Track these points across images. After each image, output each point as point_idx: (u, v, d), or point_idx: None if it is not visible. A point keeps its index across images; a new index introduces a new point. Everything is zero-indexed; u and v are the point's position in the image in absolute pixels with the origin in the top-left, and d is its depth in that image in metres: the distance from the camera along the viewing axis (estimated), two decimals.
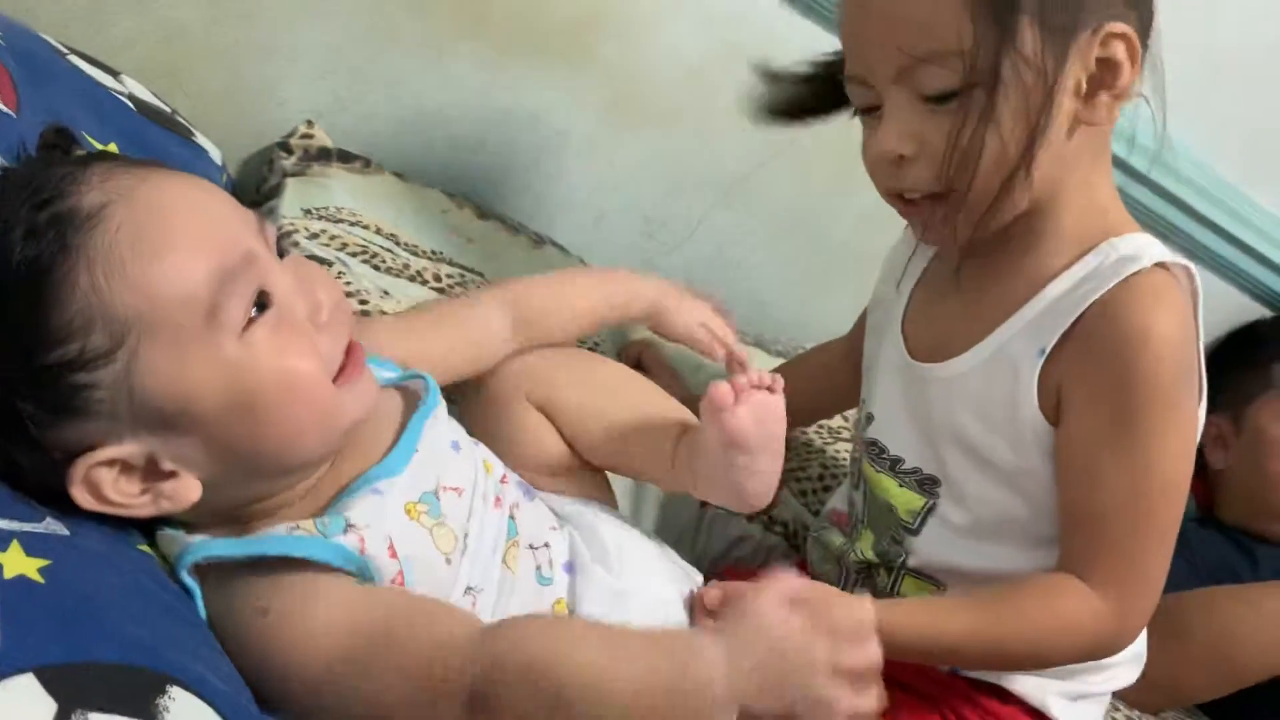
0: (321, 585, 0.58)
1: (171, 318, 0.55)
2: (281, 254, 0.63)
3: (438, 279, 1.07)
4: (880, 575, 0.92)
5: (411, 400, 0.72)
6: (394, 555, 0.61)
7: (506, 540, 0.70)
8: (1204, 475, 1.54)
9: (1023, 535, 0.84)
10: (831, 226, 1.52)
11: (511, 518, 0.71)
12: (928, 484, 0.87)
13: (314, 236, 1.01)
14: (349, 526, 0.60)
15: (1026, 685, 0.86)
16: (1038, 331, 0.79)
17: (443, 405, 0.73)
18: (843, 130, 1.42)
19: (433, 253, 1.11)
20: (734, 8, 1.30)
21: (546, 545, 0.72)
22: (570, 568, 0.72)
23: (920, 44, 0.72)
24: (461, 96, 1.27)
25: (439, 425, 0.71)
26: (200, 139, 1.06)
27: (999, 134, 0.73)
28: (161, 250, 0.55)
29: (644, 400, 0.82)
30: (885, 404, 0.91)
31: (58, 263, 0.53)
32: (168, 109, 1.04)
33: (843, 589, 0.94)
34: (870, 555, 0.92)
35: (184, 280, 0.56)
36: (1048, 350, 0.78)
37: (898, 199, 0.82)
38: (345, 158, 1.16)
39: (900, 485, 0.88)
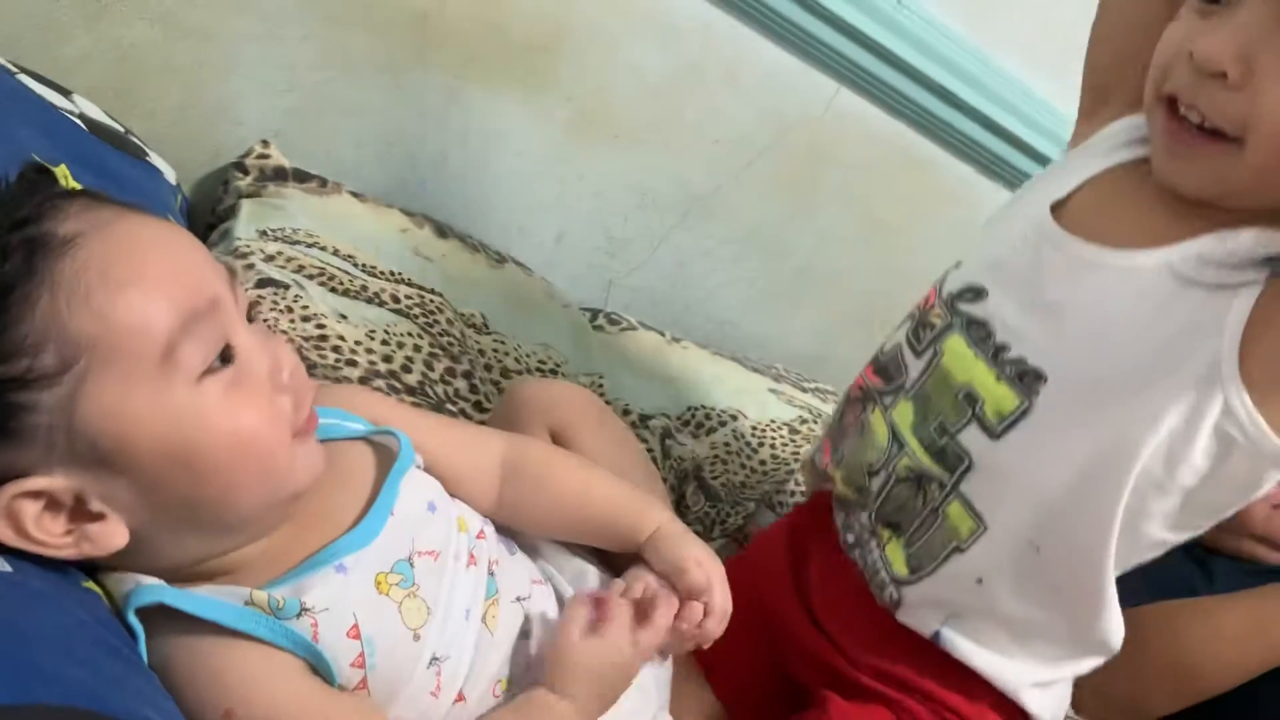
0: (267, 668, 0.58)
1: (125, 348, 0.54)
2: (250, 318, 0.61)
3: (396, 300, 1.06)
4: (932, 489, 0.80)
5: (384, 456, 0.70)
6: (356, 636, 0.60)
7: (486, 599, 0.68)
8: None
9: (1093, 500, 0.72)
10: (792, 247, 1.52)
11: (491, 574, 0.70)
12: (1029, 379, 0.74)
13: (270, 259, 1.00)
14: (303, 610, 0.59)
15: (1006, 673, 0.82)
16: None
17: (418, 460, 0.71)
18: (802, 151, 1.43)
19: (391, 273, 1.10)
20: (695, 28, 1.30)
21: (529, 598, 0.72)
22: (575, 611, 0.71)
23: None
24: (420, 116, 1.26)
25: (414, 484, 0.69)
26: (154, 159, 1.05)
27: None
28: (128, 284, 0.54)
29: (626, 481, 0.82)
30: (1009, 284, 0.78)
31: (21, 282, 0.52)
32: (121, 129, 1.03)
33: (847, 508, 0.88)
34: (906, 431, 0.82)
35: (145, 314, 0.54)
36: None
37: (1170, 110, 0.69)
38: (301, 177, 1.15)
39: (998, 378, 0.76)
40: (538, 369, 1.14)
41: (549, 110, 1.31)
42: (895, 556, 0.82)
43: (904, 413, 0.82)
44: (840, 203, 1.50)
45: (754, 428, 1.29)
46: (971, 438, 0.77)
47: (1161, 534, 0.74)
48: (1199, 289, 0.69)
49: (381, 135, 1.26)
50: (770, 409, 1.34)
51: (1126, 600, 1.30)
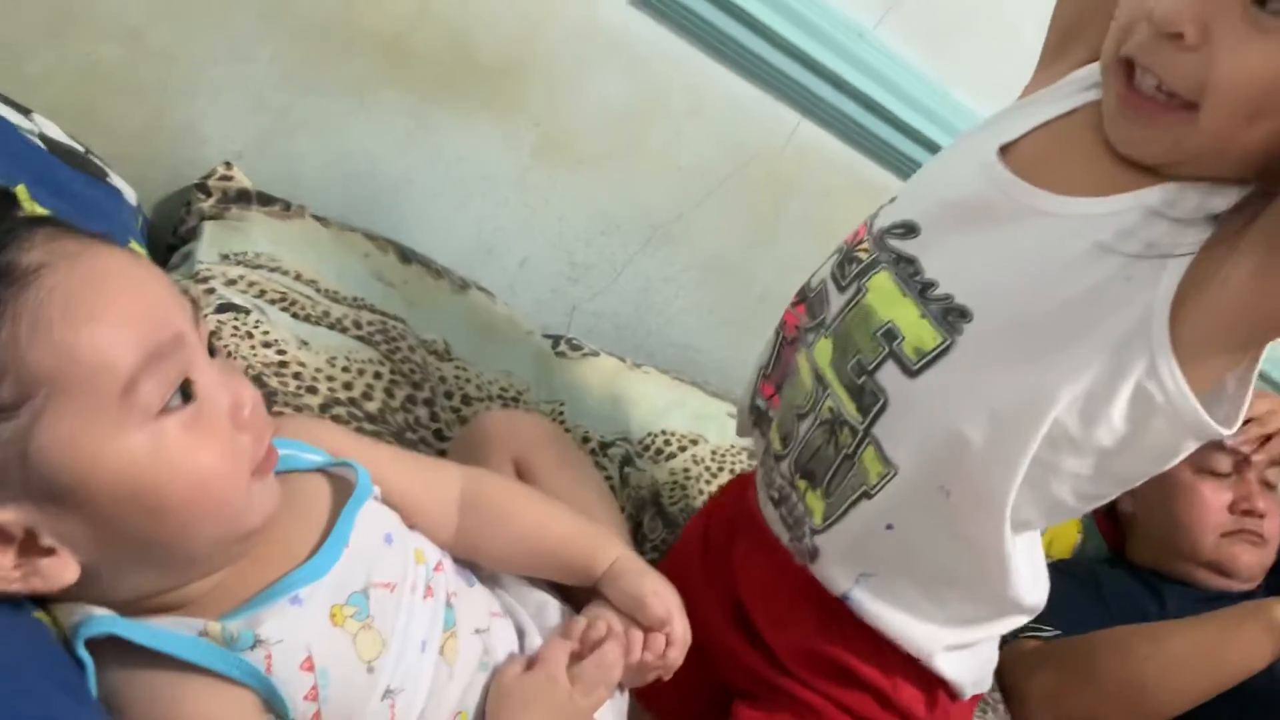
0: (218, 702, 0.58)
1: (86, 383, 0.53)
2: (212, 351, 0.61)
3: (358, 326, 1.06)
4: (844, 434, 0.78)
5: (341, 488, 0.70)
6: (309, 668, 0.60)
7: (443, 631, 0.69)
8: (1114, 517, 1.58)
9: (993, 451, 0.71)
10: (754, 273, 1.54)
11: (449, 606, 0.70)
12: (954, 317, 0.73)
13: (231, 283, 0.99)
14: (257, 642, 0.59)
15: (917, 636, 0.80)
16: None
17: (376, 492, 0.71)
18: (763, 180, 1.45)
19: (354, 299, 1.10)
20: (659, 58, 1.31)
21: (488, 630, 0.72)
22: (513, 659, 0.72)
23: None
24: (386, 140, 1.27)
25: (371, 516, 0.69)
26: (115, 180, 1.04)
27: None
28: (91, 318, 0.54)
29: (585, 516, 0.83)
30: (944, 221, 0.77)
31: None
32: (81, 149, 1.02)
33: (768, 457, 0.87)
34: (826, 369, 0.80)
35: (107, 349, 0.54)
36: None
37: (1127, 76, 0.68)
38: (265, 200, 1.15)
39: (921, 315, 0.74)
40: (499, 396, 1.15)
41: (515, 136, 1.32)
42: (815, 506, 0.81)
43: (824, 350, 0.81)
44: (801, 231, 1.51)
45: (714, 452, 1.30)
46: (888, 375, 0.75)
47: (1068, 497, 0.74)
48: (1134, 244, 0.68)
49: (347, 158, 1.26)
50: (730, 435, 1.34)
51: (1080, 626, 1.33)
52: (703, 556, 0.96)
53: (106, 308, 0.55)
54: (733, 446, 1.33)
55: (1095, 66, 0.75)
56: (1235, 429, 0.70)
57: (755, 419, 0.91)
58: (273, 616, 0.61)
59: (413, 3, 1.19)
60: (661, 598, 0.77)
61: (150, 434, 0.55)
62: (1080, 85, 0.78)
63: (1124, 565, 1.55)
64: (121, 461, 0.54)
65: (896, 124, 1.42)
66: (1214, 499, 1.42)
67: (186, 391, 0.57)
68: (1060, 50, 0.83)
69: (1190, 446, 0.71)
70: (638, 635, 0.75)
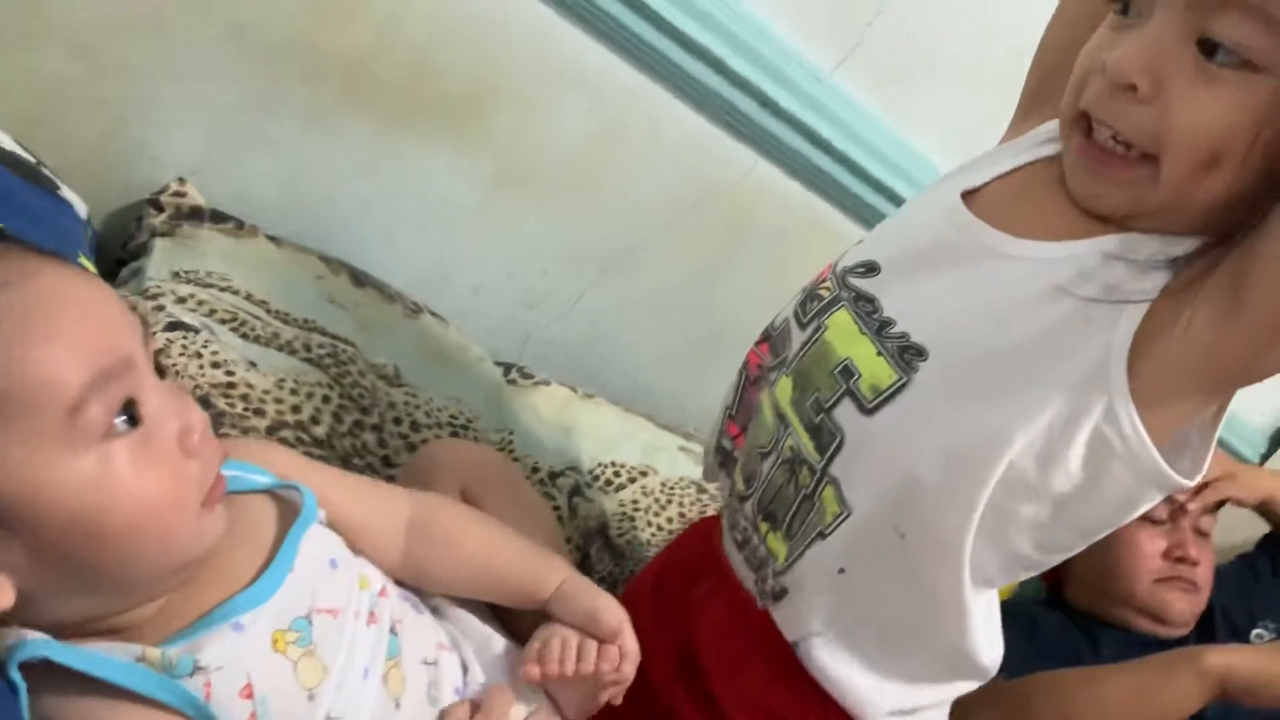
0: None
1: (31, 403, 0.53)
2: (160, 372, 0.61)
3: (308, 348, 1.05)
4: (803, 474, 0.78)
5: (287, 511, 0.69)
6: (249, 695, 0.60)
7: (386, 660, 0.68)
8: None
9: (948, 494, 0.71)
10: (709, 307, 1.55)
11: (394, 633, 0.70)
12: (910, 355, 0.73)
13: (181, 301, 0.98)
14: (197, 669, 0.59)
15: (861, 692, 0.79)
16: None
17: (322, 516, 0.71)
18: (720, 216, 1.47)
19: (305, 321, 1.09)
20: (620, 92, 1.32)
21: (436, 663, 0.71)
22: (460, 693, 0.72)
23: None
24: (346, 162, 1.26)
25: (316, 540, 0.69)
26: (66, 192, 1.03)
27: (1263, 128, 0.62)
28: (41, 339, 0.53)
29: (532, 541, 0.83)
30: (905, 261, 0.77)
31: None
32: (32, 160, 1.01)
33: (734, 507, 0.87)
34: (787, 408, 0.79)
35: (55, 370, 0.53)
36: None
37: (1083, 128, 0.69)
38: (218, 218, 1.14)
39: (878, 353, 0.74)
40: (448, 424, 1.14)
41: (475, 163, 1.32)
42: (776, 548, 0.80)
43: (784, 388, 0.80)
44: (755, 268, 1.53)
45: (663, 485, 1.30)
46: (844, 413, 0.74)
47: (1028, 548, 0.73)
48: (1092, 287, 0.68)
49: (303, 179, 1.25)
50: (680, 467, 1.35)
51: (1015, 668, 1.34)
52: (655, 599, 0.95)
53: (59, 330, 0.54)
54: (682, 479, 1.33)
55: (1056, 122, 0.76)
56: (1197, 481, 0.70)
57: (721, 460, 0.91)
58: (213, 643, 0.60)
59: (377, 29, 1.19)
60: (613, 611, 0.77)
61: (96, 458, 0.54)
62: (1041, 139, 0.79)
63: (1061, 608, 1.57)
64: (65, 486, 0.54)
65: (851, 167, 1.44)
66: (1150, 545, 1.45)
67: (133, 415, 0.57)
68: (1033, 107, 0.85)
69: (1153, 497, 0.70)
70: (593, 644, 0.76)
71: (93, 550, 0.55)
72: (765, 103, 1.35)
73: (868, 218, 1.49)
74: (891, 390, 0.72)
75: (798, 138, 1.40)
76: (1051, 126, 0.78)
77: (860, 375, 0.74)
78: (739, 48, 1.30)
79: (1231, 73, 0.61)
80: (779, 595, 0.81)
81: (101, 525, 0.55)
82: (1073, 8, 0.81)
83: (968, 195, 0.77)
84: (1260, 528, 1.61)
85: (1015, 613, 1.52)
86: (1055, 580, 1.61)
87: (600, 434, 1.31)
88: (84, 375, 0.54)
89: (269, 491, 0.70)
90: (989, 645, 0.80)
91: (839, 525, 0.75)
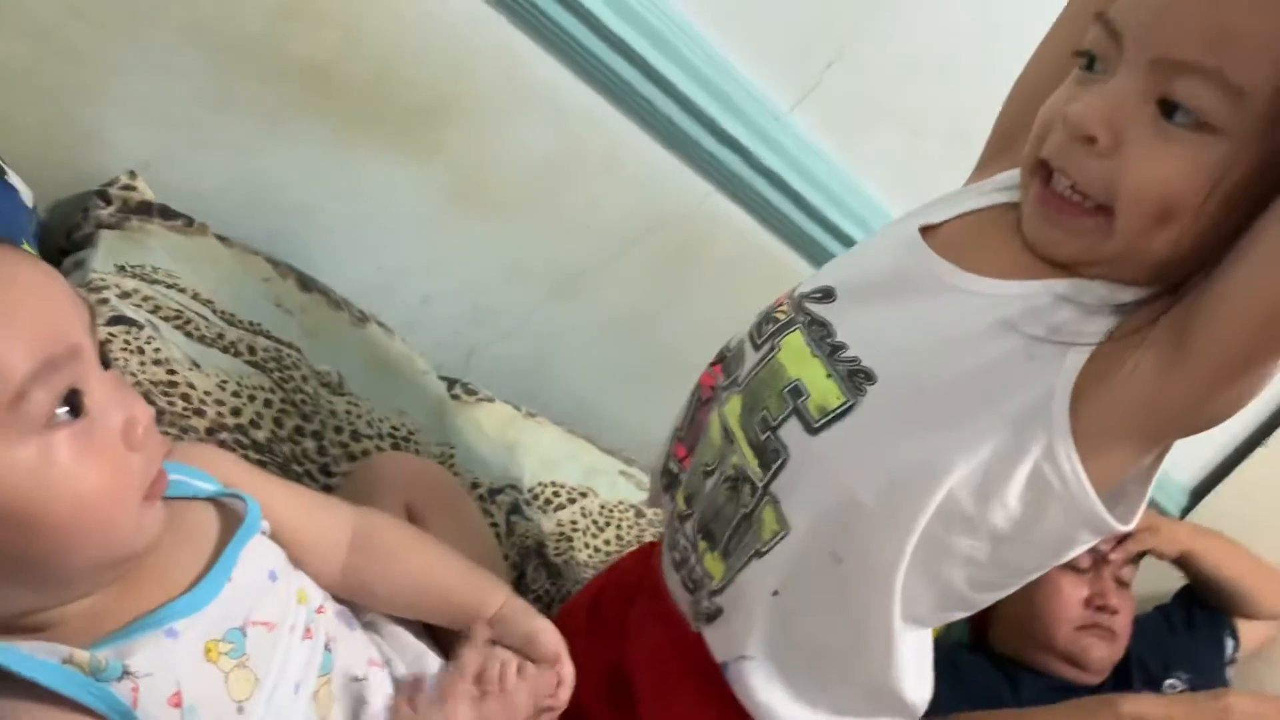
0: None
1: None
2: (106, 364, 0.59)
3: (252, 351, 1.04)
4: (745, 492, 0.78)
5: (231, 520, 0.68)
6: (177, 704, 0.58)
7: (318, 676, 0.67)
8: None
9: (890, 517, 0.72)
10: (656, 334, 1.56)
11: (328, 650, 0.69)
12: (859, 378, 0.74)
13: (125, 295, 0.97)
14: (126, 674, 0.57)
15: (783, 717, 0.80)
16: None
17: (265, 527, 0.70)
18: (672, 244, 1.48)
19: (250, 324, 1.08)
20: (580, 114, 1.33)
21: (365, 679, 0.71)
22: (387, 711, 0.71)
23: (1211, 53, 0.61)
24: (298, 166, 1.25)
25: (258, 552, 0.68)
26: (12, 178, 1.01)
27: (1216, 187, 0.63)
28: None
29: (472, 562, 0.83)
30: (861, 289, 0.79)
31: None
32: None
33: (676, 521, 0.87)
34: (734, 425, 0.80)
35: (1, 357, 0.52)
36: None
37: (1043, 174, 0.71)
38: (167, 214, 1.12)
39: (828, 375, 0.75)
40: (389, 435, 1.13)
41: (430, 175, 1.32)
42: (713, 568, 0.81)
43: (733, 406, 0.81)
44: (703, 298, 1.54)
45: (602, 507, 1.30)
46: (790, 431, 0.75)
47: (962, 585, 0.74)
48: (1039, 326, 0.69)
49: (255, 180, 1.24)
50: (620, 490, 1.36)
51: (935, 709, 1.36)
52: (590, 620, 0.96)
53: (6, 315, 0.53)
54: (621, 502, 1.34)
55: (1016, 171, 0.78)
56: (1131, 526, 0.71)
57: (666, 483, 0.92)
58: (145, 648, 0.59)
59: (342, 34, 1.19)
60: (552, 635, 0.78)
61: (37, 448, 0.53)
62: (1003, 185, 0.81)
63: (983, 651, 1.60)
64: (2, 475, 0.52)
65: (802, 205, 1.46)
66: (1072, 592, 1.48)
67: (75, 405, 0.55)
68: (998, 154, 0.87)
69: (1086, 539, 0.72)
70: (532, 667, 0.76)
71: (27, 541, 0.54)
72: (722, 136, 1.37)
73: (816, 255, 1.52)
74: (839, 411, 0.73)
75: (752, 172, 1.42)
76: (1013, 174, 0.80)
77: (809, 395, 0.75)
78: (701, 80, 1.32)
79: (1188, 133, 0.63)
80: (713, 616, 0.81)
81: (39, 516, 0.54)
82: (1051, 61, 0.83)
83: (926, 230, 0.79)
84: (1178, 580, 1.65)
85: (937, 655, 1.55)
86: (979, 624, 1.64)
87: (542, 453, 1.31)
88: (29, 363, 0.53)
89: (213, 499, 0.69)
90: (916, 683, 0.80)
91: (776, 544, 0.76)
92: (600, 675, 0.90)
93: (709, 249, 1.51)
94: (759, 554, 0.77)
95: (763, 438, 0.77)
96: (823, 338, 0.78)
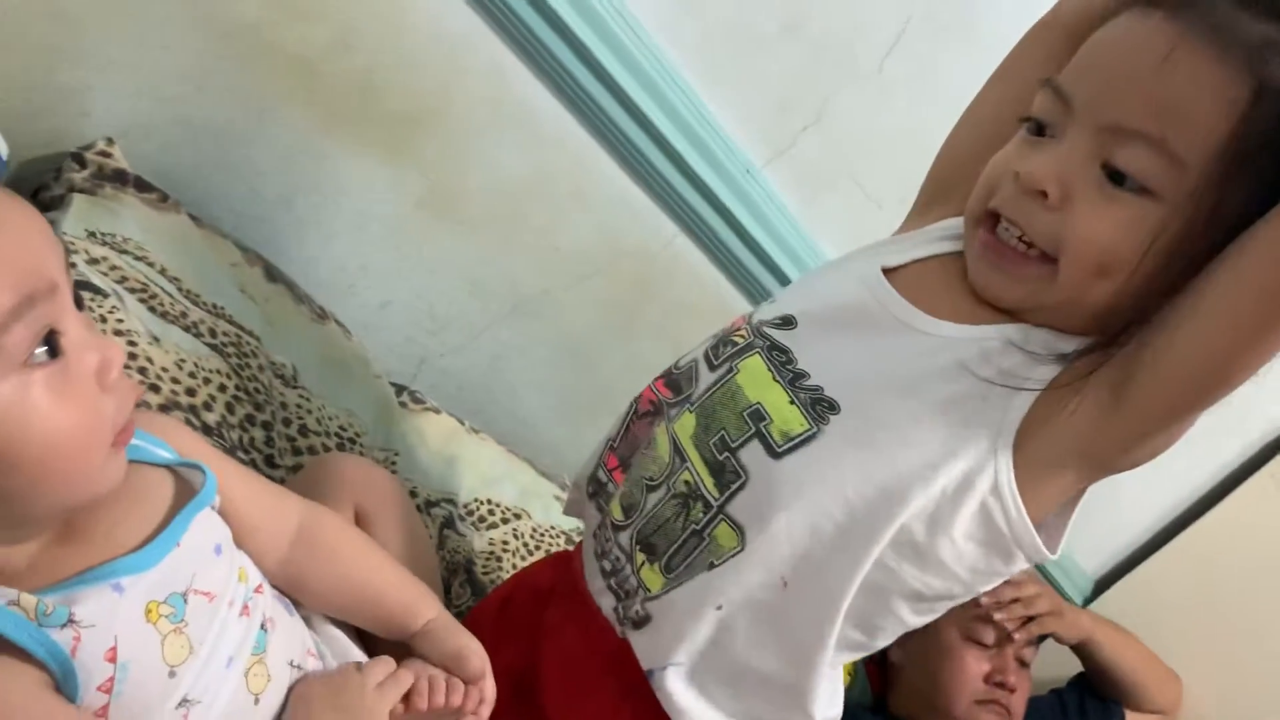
0: (10, 674, 0.55)
1: None
2: (79, 304, 0.59)
3: (213, 334, 1.03)
4: (696, 510, 0.80)
5: (184, 490, 0.69)
6: (112, 659, 0.59)
7: (251, 654, 0.68)
8: (881, 665, 1.67)
9: (860, 535, 0.75)
10: (603, 364, 1.58)
11: (264, 629, 0.69)
12: (822, 408, 0.77)
13: (94, 262, 0.96)
14: (70, 621, 0.57)
15: None
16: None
17: (216, 502, 0.70)
18: (631, 279, 1.50)
19: (214, 306, 1.07)
20: (557, 140, 1.35)
21: (301, 668, 0.71)
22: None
23: (1153, 121, 0.67)
24: (274, 156, 1.25)
25: (206, 523, 0.68)
26: None
27: (1152, 246, 0.69)
28: None
29: (409, 573, 0.84)
30: (822, 320, 0.82)
31: None
32: None
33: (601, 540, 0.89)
34: (687, 443, 0.82)
35: None
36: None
37: (988, 225, 0.76)
38: (142, 186, 1.11)
39: (791, 401, 0.78)
40: (336, 434, 1.13)
41: (403, 181, 1.33)
42: (650, 579, 0.82)
43: (686, 424, 0.82)
44: (655, 334, 1.57)
45: (534, 530, 1.31)
46: (752, 454, 0.77)
47: (906, 613, 0.79)
48: (990, 369, 0.74)
49: (232, 165, 1.24)
50: (554, 515, 1.37)
51: None
52: (499, 622, 0.96)
53: None
54: (553, 528, 1.35)
55: (958, 220, 0.84)
56: (1057, 555, 0.77)
57: (593, 490, 0.93)
58: (92, 598, 0.59)
59: (335, 33, 1.20)
60: (478, 653, 0.79)
61: (13, 386, 0.53)
62: (950, 233, 0.86)
63: (882, 713, 1.63)
64: None
65: (763, 259, 1.50)
66: (974, 666, 1.52)
67: (52, 344, 0.55)
68: (930, 204, 0.92)
69: (1015, 567, 0.76)
70: (459, 684, 0.77)
71: None
72: (696, 183, 1.41)
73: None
74: (802, 438, 0.76)
75: (719, 221, 1.45)
76: (956, 223, 0.85)
77: (772, 420, 0.77)
78: (682, 126, 1.35)
79: (1130, 195, 0.69)
80: (641, 623, 0.83)
81: (9, 454, 0.53)
82: (986, 118, 0.89)
83: (888, 271, 0.83)
84: (1075, 667, 1.71)
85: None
86: (883, 686, 1.67)
87: (481, 470, 1.32)
88: (10, 299, 0.53)
89: (169, 468, 0.70)
90: (828, 703, 0.84)
91: (728, 560, 0.78)
92: (506, 676, 0.90)
93: (666, 289, 1.54)
94: (711, 566, 0.79)
95: (721, 457, 0.79)
96: (784, 364, 0.80)
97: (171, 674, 0.62)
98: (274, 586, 0.76)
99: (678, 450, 0.82)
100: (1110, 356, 0.71)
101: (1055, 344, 0.74)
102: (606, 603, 0.87)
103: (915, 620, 0.80)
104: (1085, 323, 0.74)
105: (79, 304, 0.59)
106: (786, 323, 0.83)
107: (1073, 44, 0.75)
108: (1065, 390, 0.72)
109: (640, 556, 0.83)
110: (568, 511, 0.99)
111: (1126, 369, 0.70)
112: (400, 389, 1.34)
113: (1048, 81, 0.73)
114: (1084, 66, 0.72)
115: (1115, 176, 0.69)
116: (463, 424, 1.38)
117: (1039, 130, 0.74)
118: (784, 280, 1.53)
